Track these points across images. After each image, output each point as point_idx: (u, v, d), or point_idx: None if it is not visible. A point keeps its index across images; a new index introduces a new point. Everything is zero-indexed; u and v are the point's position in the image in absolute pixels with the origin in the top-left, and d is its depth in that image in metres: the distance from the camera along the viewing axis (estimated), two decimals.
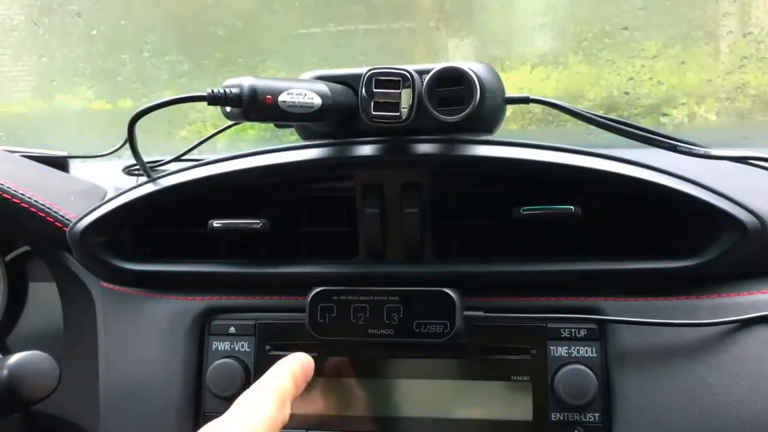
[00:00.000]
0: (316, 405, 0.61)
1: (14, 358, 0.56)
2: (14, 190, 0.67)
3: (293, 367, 0.51)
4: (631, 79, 0.94)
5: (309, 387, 0.61)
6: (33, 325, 0.78)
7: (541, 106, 0.61)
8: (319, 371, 0.62)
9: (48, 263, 0.73)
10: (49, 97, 1.14)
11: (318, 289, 0.60)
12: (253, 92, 0.53)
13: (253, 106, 0.53)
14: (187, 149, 0.79)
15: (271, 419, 0.45)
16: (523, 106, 0.61)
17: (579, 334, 0.59)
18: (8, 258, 0.80)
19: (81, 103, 1.13)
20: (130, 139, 0.61)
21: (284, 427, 0.58)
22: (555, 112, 0.69)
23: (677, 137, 0.59)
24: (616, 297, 0.59)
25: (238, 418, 0.45)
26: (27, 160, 0.79)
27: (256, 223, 0.63)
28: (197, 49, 1.09)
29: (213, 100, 0.53)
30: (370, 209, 0.61)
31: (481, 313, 0.59)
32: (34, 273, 0.79)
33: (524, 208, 0.59)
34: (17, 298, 0.79)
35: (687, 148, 0.58)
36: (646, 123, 0.94)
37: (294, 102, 0.55)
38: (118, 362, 0.65)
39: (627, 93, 0.95)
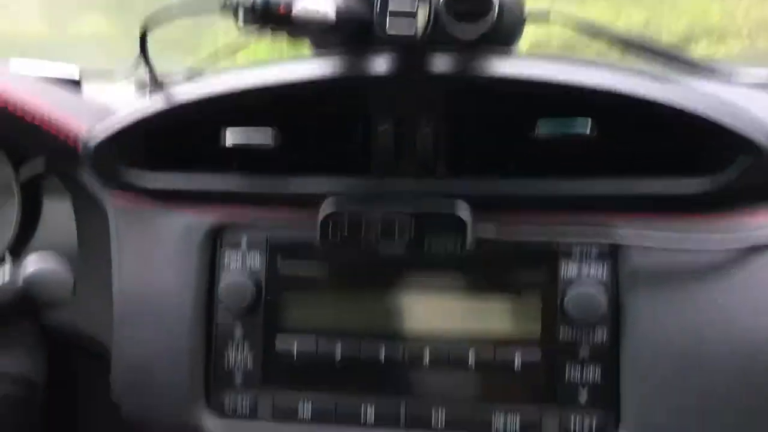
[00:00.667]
0: (326, 319, 0.62)
1: (31, 257, 0.57)
2: (29, 106, 0.67)
3: None
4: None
5: (319, 302, 0.63)
6: (47, 240, 0.79)
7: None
8: (329, 286, 0.62)
9: (62, 179, 0.73)
10: (62, 20, 1.13)
11: (329, 204, 0.60)
12: (266, 1, 0.52)
13: (265, 16, 0.52)
14: (198, 69, 0.78)
15: None
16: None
17: (591, 253, 0.59)
18: (23, 174, 0.80)
19: (92, 29, 1.12)
20: (142, 47, 0.60)
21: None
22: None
23: (701, 61, 0.58)
24: (629, 217, 0.59)
25: None
26: (40, 79, 0.78)
27: (267, 138, 0.63)
28: None
29: (225, 9, 0.52)
30: (383, 125, 0.61)
31: (492, 230, 0.59)
32: (49, 189, 0.80)
33: (541, 120, 0.58)
34: (32, 215, 0.79)
35: (710, 71, 0.57)
36: None
37: (308, 12, 0.54)
38: (132, 275, 0.66)
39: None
